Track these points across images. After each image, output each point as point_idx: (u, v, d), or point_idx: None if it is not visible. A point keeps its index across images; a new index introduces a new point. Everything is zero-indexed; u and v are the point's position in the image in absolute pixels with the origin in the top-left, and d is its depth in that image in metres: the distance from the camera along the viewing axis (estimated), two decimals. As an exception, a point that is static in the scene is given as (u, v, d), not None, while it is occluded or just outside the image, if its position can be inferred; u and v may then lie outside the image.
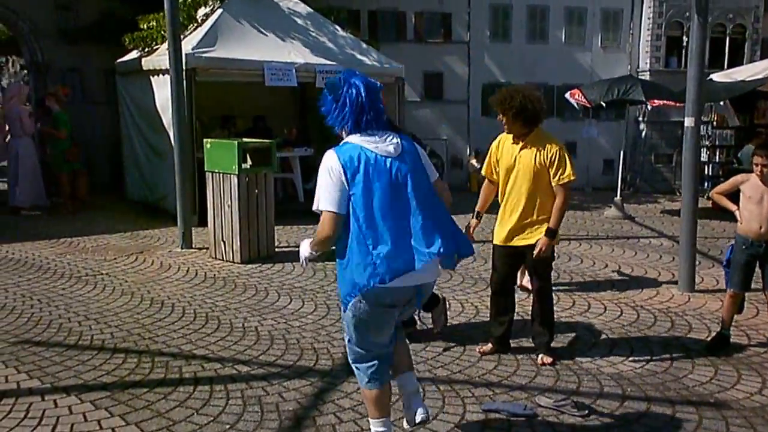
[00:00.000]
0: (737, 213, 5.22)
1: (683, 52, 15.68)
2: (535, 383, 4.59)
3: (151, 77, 10.75)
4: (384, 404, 3.46)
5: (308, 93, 13.89)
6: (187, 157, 8.92)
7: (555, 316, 5.14)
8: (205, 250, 8.46)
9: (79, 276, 7.25)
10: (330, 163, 3.15)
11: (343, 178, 3.11)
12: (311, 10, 11.95)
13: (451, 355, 5.06)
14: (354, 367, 3.47)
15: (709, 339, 5.43)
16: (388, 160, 3.18)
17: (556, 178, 4.76)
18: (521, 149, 4.84)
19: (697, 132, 6.99)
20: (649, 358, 5.08)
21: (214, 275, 7.38)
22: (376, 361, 3.36)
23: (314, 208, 3.21)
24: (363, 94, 3.20)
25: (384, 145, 3.20)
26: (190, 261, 8.02)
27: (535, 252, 4.76)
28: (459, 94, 16.78)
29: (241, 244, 7.95)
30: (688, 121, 6.89)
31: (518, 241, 4.89)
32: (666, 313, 6.23)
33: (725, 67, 14.59)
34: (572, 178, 4.78)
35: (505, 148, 4.96)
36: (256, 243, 8.13)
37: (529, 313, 5.29)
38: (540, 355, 4.99)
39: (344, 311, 3.30)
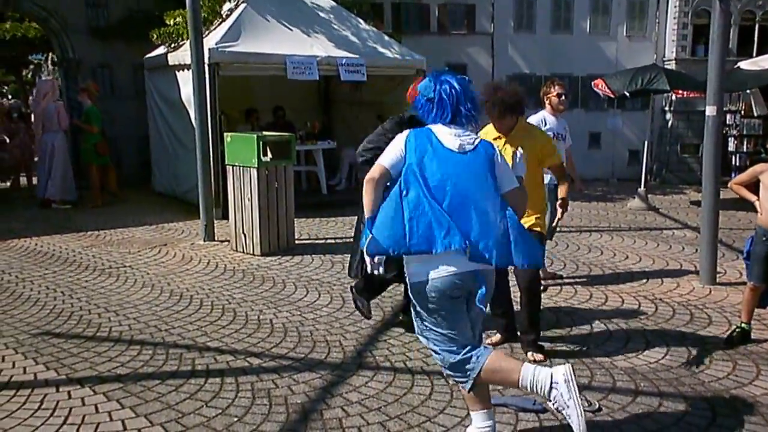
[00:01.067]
0: (757, 204, 5.10)
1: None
2: (546, 377, 4.56)
3: (177, 72, 10.89)
4: (485, 395, 3.47)
5: (331, 87, 13.98)
6: (209, 150, 8.99)
7: (571, 309, 5.10)
8: (226, 243, 8.54)
9: (102, 268, 7.37)
10: (399, 137, 3.40)
11: (403, 151, 3.33)
12: (334, 3, 11.95)
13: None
14: (449, 374, 3.45)
15: (728, 333, 5.33)
16: (448, 151, 3.31)
17: (548, 161, 4.95)
18: (507, 143, 4.74)
19: (719, 121, 6.88)
20: (665, 352, 5.00)
21: (234, 267, 7.45)
22: (465, 351, 3.32)
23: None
24: (456, 87, 3.38)
25: (453, 139, 3.34)
26: (211, 253, 8.10)
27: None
28: (483, 85, 16.53)
29: (261, 236, 8.01)
30: (710, 110, 6.79)
31: None
32: (685, 306, 6.14)
33: (754, 55, 14.24)
34: (556, 161, 5.08)
35: None
36: (276, 235, 8.20)
37: (547, 304, 5.24)
38: (529, 353, 4.84)
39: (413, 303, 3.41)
